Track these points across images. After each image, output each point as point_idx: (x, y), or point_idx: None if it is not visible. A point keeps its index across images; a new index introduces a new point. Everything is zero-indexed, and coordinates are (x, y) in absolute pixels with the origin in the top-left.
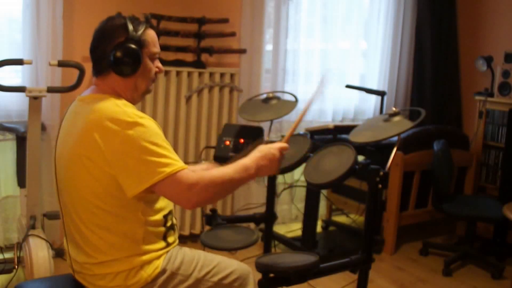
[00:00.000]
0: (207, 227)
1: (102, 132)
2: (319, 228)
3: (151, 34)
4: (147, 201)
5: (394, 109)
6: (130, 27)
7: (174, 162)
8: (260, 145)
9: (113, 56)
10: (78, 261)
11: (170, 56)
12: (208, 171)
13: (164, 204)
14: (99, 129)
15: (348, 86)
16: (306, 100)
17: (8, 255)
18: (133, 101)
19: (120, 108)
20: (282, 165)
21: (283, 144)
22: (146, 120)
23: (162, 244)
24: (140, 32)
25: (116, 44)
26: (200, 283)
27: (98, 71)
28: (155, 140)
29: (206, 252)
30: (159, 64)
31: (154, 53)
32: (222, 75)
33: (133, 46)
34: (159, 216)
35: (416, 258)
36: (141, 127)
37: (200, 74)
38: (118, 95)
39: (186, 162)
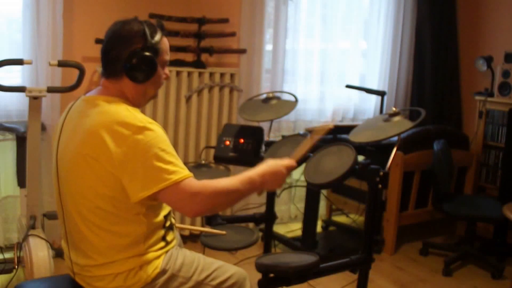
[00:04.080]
0: (207, 227)
1: (112, 135)
2: (319, 228)
3: (165, 42)
4: (150, 205)
5: (394, 109)
6: (148, 34)
7: (180, 170)
8: (269, 159)
9: (129, 62)
10: (78, 263)
11: (170, 56)
12: (214, 181)
13: (164, 204)
14: (109, 131)
15: (348, 86)
16: (323, 125)
17: (8, 255)
18: (138, 105)
19: (130, 112)
20: None
21: (292, 163)
22: (155, 126)
23: (161, 244)
24: (157, 40)
25: (133, 50)
26: (200, 286)
27: (110, 74)
28: (163, 146)
29: (204, 256)
30: (167, 71)
31: (166, 61)
32: (222, 75)
33: (150, 54)
34: (160, 218)
35: (416, 258)
36: (151, 132)
37: (200, 74)
38: (126, 99)
39: (185, 163)
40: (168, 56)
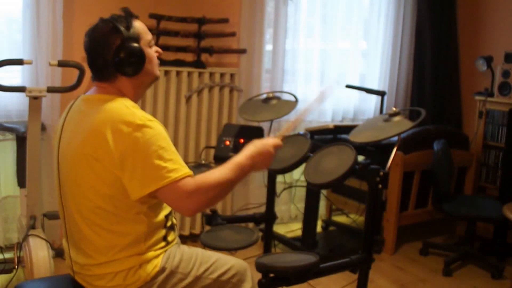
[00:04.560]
0: (207, 227)
1: (113, 133)
2: (319, 228)
3: (139, 25)
4: (150, 204)
5: (394, 109)
6: (120, 27)
7: (180, 167)
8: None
9: (117, 61)
10: (78, 262)
11: (170, 56)
12: (205, 175)
13: (165, 204)
14: (109, 130)
15: (348, 86)
16: (308, 101)
17: (8, 255)
18: (138, 97)
19: (129, 109)
20: (282, 165)
21: (277, 141)
22: (155, 123)
23: (162, 244)
24: (131, 28)
25: (114, 49)
26: (199, 280)
27: (104, 79)
28: (162, 144)
29: (203, 249)
30: (157, 48)
31: (149, 40)
32: (222, 75)
33: (132, 44)
34: (161, 217)
35: (416, 258)
36: (150, 129)
37: (200, 74)
38: (123, 95)
39: (185, 163)
40: (149, 35)
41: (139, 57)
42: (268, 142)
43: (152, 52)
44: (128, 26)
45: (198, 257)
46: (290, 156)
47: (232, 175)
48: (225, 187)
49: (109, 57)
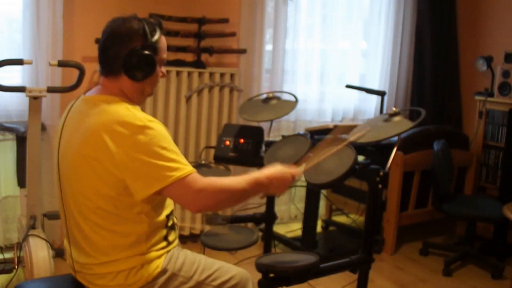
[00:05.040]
0: (207, 227)
1: (113, 135)
2: (319, 228)
3: (163, 41)
4: (153, 204)
5: (394, 109)
6: (148, 32)
7: (183, 166)
8: (277, 163)
9: (129, 60)
10: (79, 261)
11: (170, 56)
12: (219, 178)
13: (167, 203)
14: (109, 132)
15: (348, 86)
16: (335, 147)
17: (8, 255)
18: (138, 103)
19: (130, 111)
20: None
21: (298, 172)
22: (156, 124)
23: (163, 244)
24: (156, 39)
25: (132, 48)
26: (200, 286)
27: (108, 72)
28: (164, 144)
29: (206, 256)
30: (164, 69)
31: (164, 59)
32: (222, 75)
33: (149, 53)
34: (162, 217)
35: (416, 258)
36: (151, 130)
37: (200, 74)
38: (126, 97)
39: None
40: (165, 55)
41: (150, 66)
42: (289, 170)
43: (159, 70)
44: (154, 35)
45: (201, 263)
46: (290, 156)
47: (246, 187)
48: (235, 195)
49: (122, 53)
